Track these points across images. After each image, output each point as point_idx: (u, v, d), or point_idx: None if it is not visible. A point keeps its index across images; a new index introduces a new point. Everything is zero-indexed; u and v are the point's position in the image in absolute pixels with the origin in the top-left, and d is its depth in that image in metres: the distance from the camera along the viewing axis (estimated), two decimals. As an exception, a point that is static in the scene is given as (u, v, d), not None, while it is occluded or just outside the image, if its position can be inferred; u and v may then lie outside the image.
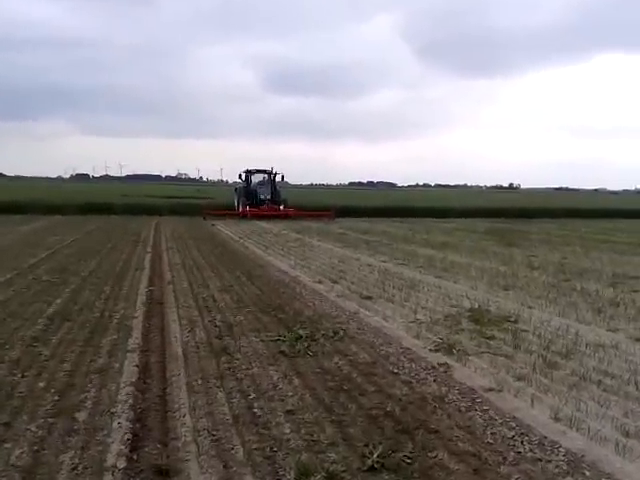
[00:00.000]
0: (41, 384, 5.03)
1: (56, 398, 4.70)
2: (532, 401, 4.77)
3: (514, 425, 4.31)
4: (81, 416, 4.38)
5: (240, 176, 31.60)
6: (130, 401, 4.65)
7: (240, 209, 29.55)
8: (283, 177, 31.81)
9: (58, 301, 8.42)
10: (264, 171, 31.74)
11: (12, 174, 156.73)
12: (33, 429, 4.14)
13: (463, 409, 4.58)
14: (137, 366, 5.55)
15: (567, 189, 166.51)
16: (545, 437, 4.14)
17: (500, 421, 4.38)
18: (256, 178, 31.73)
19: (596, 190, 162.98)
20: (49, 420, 4.29)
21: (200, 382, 5.12)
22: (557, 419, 4.45)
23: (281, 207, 29.65)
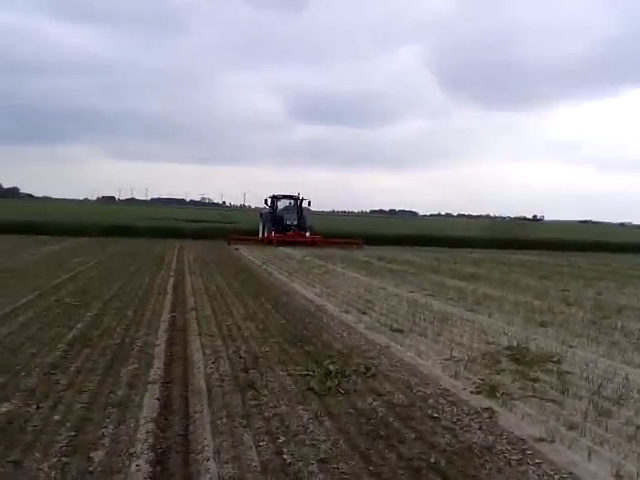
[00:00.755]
0: (56, 417, 4.72)
1: (72, 434, 4.39)
2: (589, 454, 4.32)
3: (573, 483, 3.88)
4: (98, 456, 4.05)
5: (266, 201, 30.99)
6: (150, 440, 4.31)
7: (265, 234, 29.17)
8: (310, 203, 30.82)
9: (79, 325, 8.16)
10: (290, 196, 31.19)
11: (40, 195, 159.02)
12: (45, 469, 3.82)
13: (514, 462, 4.15)
14: (158, 399, 5.23)
15: (592, 222, 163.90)
16: (608, 499, 3.70)
17: (557, 478, 3.94)
18: (282, 204, 31.24)
19: (622, 224, 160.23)
20: (63, 459, 3.96)
21: (225, 421, 4.76)
22: (619, 476, 4.00)
23: (307, 234, 29.22)
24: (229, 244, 27.26)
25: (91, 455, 4.04)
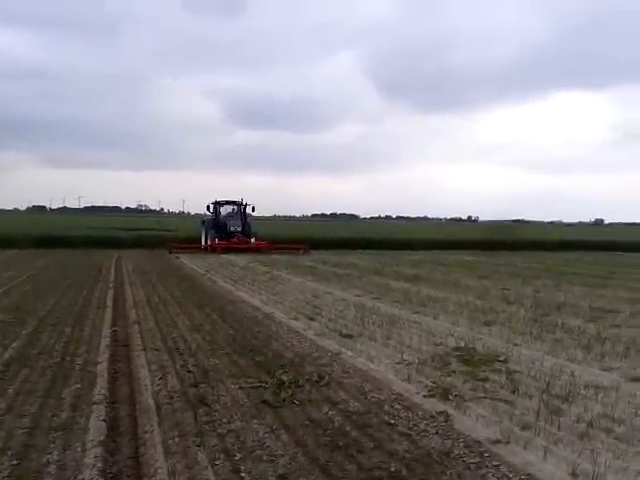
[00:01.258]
0: (-4, 446, 4.42)
1: (14, 462, 4.12)
2: (544, 454, 4.38)
3: (531, 484, 3.92)
4: (42, 486, 3.80)
5: (208, 207, 30.15)
6: (99, 465, 4.09)
7: (209, 242, 28.54)
8: (254, 208, 30.25)
9: (14, 344, 7.74)
10: (234, 202, 30.52)
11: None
12: (-15, 504, 3.56)
13: (473, 466, 4.16)
14: (104, 421, 4.98)
15: (523, 221, 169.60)
16: (566, 497, 3.75)
17: (515, 479, 3.97)
18: (225, 210, 30.55)
19: (552, 222, 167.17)
20: (5, 492, 3.71)
21: (177, 440, 4.58)
22: (575, 475, 4.07)
23: (252, 240, 28.80)
24: (170, 252, 26.64)
25: (35, 485, 3.80)
